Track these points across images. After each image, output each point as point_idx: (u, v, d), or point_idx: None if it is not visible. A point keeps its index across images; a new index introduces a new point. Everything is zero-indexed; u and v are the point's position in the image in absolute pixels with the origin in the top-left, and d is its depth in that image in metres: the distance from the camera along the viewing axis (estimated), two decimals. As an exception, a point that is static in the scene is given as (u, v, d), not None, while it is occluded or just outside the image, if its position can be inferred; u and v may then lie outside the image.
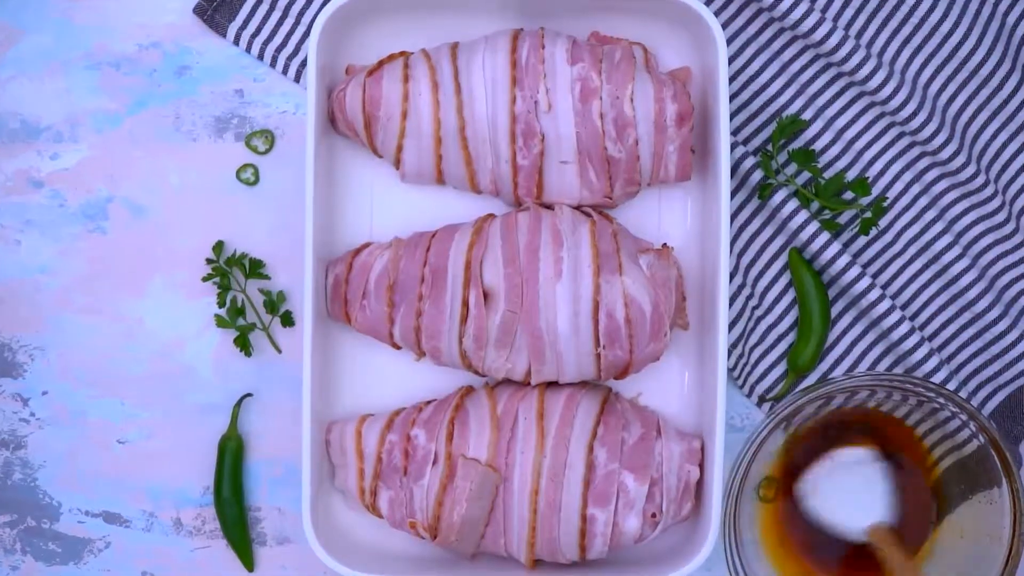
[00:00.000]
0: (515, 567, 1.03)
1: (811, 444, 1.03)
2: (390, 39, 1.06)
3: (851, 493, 1.00)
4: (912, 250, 1.11)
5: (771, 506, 1.05)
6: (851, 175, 1.11)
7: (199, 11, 1.09)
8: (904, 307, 1.12)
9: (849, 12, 1.09)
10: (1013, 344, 1.10)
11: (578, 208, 1.04)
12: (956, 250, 1.11)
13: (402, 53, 1.05)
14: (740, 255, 1.10)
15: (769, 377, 1.11)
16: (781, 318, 1.11)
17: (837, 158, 1.10)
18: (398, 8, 1.05)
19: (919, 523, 1.04)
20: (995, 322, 1.10)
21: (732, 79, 1.09)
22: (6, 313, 1.10)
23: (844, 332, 1.11)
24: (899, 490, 0.99)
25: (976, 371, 1.12)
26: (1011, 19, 1.09)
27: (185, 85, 1.10)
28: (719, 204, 1.00)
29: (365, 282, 1.02)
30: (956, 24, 1.09)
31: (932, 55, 1.10)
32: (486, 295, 1.00)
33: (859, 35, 1.10)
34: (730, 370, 1.10)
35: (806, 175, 1.11)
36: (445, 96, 1.01)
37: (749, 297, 1.10)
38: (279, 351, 1.10)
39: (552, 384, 1.03)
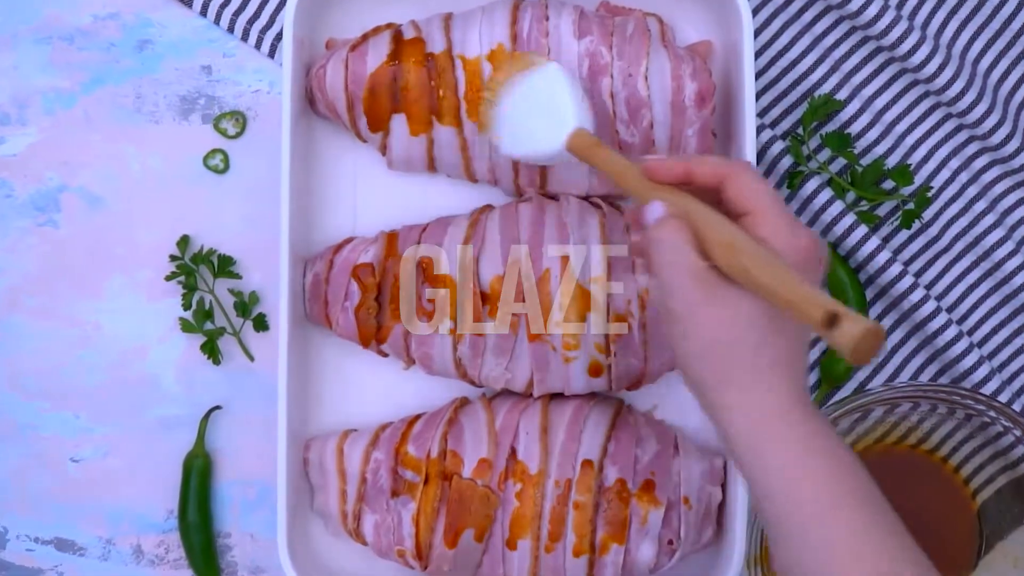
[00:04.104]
0: (515, 601, 1.02)
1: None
2: (375, 10, 1.06)
3: (538, 113, 0.95)
4: (960, 246, 1.11)
5: None
6: (891, 162, 1.11)
7: (162, -22, 1.10)
8: (951, 309, 1.11)
9: (888, -21, 1.10)
10: (1072, 352, 1.12)
11: (586, 199, 1.04)
12: (1009, 245, 1.10)
13: (389, 25, 1.05)
14: (767, 251, 1.10)
15: None
16: (813, 322, 1.11)
17: (876, 143, 1.10)
18: (384, -25, 1.06)
19: (961, 552, 1.05)
20: (1053, 327, 1.12)
21: (758, 54, 1.10)
22: (-54, 316, 1.11)
23: (883, 337, 1.11)
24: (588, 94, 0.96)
25: (1032, 381, 1.12)
26: (1070, -13, 1.10)
27: (146, 61, 1.10)
28: None
29: (347, 282, 1.02)
30: (1008, -7, 1.10)
31: (982, 28, 1.10)
32: (483, 296, 0.99)
33: (900, 5, 1.10)
34: None
35: (841, 162, 1.11)
36: (437, 74, 1.01)
37: (777, 298, 1.09)
38: (251, 359, 1.10)
39: (557, 396, 1.04)
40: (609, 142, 1.00)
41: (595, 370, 1.00)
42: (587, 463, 0.99)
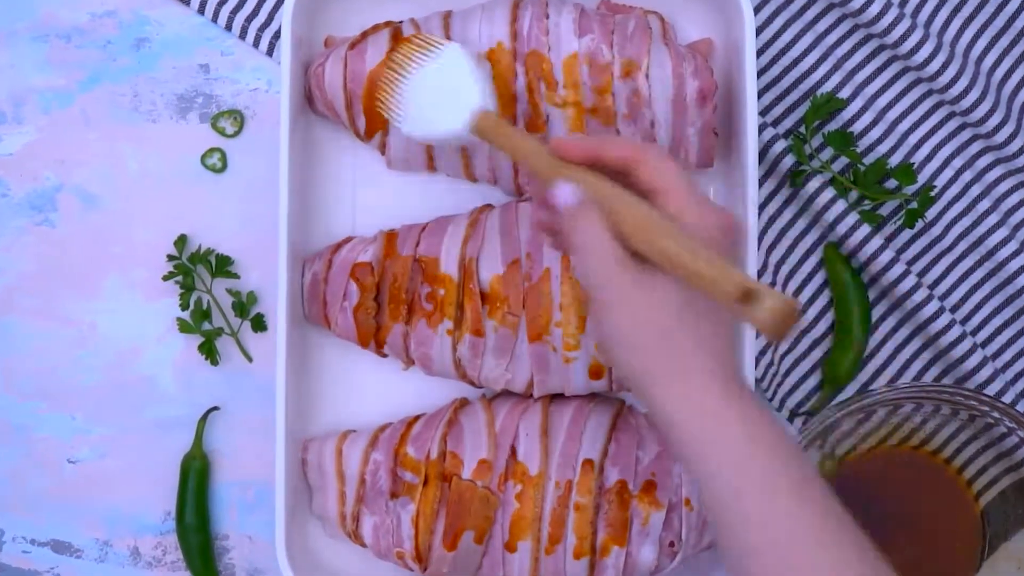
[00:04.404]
0: (515, 603, 1.02)
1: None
2: (374, 7, 1.06)
3: (441, 95, 0.95)
4: (963, 245, 1.11)
5: None
6: (894, 160, 1.11)
7: (159, -25, 1.10)
8: (954, 309, 1.11)
9: (891, -23, 1.10)
10: (1077, 352, 1.11)
11: None
12: (1012, 245, 1.10)
13: (388, 23, 1.04)
14: (769, 250, 1.11)
15: (802, 389, 1.12)
16: (815, 322, 1.12)
17: (879, 141, 1.10)
18: (383, -28, 1.06)
19: (964, 553, 1.05)
20: (1057, 327, 1.12)
21: (760, 52, 1.10)
22: (-58, 316, 1.11)
23: (886, 338, 1.11)
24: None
25: (1036, 381, 1.12)
26: (1075, -16, 1.10)
27: (144, 59, 1.10)
28: (745, 193, 1.00)
29: (346, 281, 1.02)
30: (1012, -9, 1.10)
31: (986, 25, 1.10)
32: (483, 296, 0.99)
33: (903, 3, 1.09)
34: (758, 381, 1.09)
35: (844, 160, 1.11)
36: None
37: (779, 297, 1.09)
38: (249, 359, 1.10)
39: (557, 397, 1.04)
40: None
41: (596, 371, 1.00)
42: (588, 464, 0.99)
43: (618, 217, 0.79)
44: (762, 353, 1.09)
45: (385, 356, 1.04)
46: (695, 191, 0.80)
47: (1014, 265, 1.10)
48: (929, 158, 1.10)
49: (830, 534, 0.75)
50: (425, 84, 0.95)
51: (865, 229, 1.07)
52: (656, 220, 0.78)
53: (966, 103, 1.08)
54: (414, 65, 0.96)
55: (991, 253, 1.10)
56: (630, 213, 0.78)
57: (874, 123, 1.10)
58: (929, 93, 1.09)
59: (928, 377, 1.10)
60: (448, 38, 1.00)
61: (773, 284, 1.10)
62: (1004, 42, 1.10)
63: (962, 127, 1.10)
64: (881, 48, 1.09)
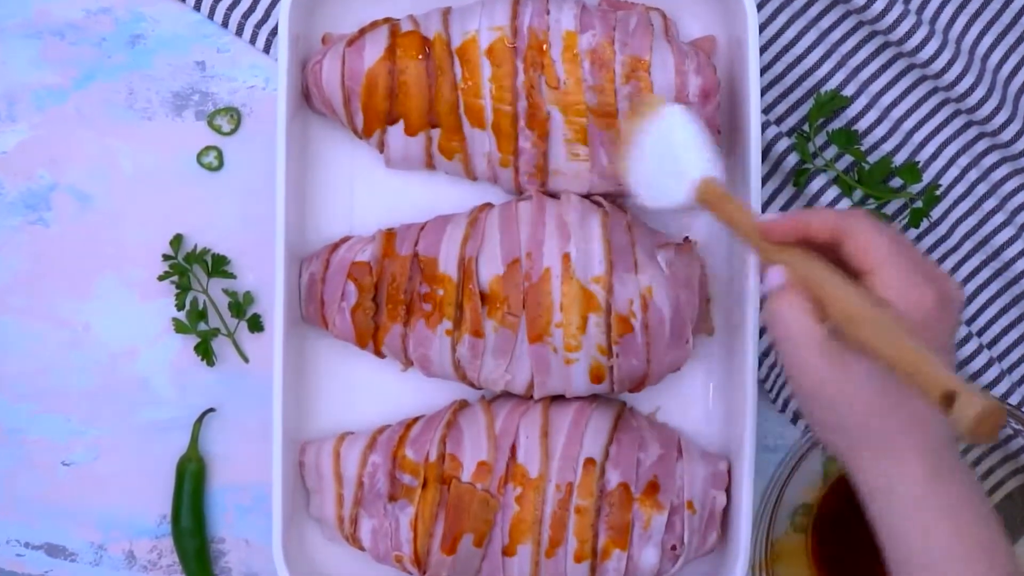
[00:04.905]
0: (515, 607, 1.03)
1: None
2: (372, 4, 1.06)
3: (667, 161, 0.93)
4: (969, 244, 1.11)
5: (807, 537, 1.06)
6: (899, 159, 1.11)
7: (155, -29, 1.11)
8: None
9: (896, -27, 1.10)
10: (1084, 353, 1.12)
11: (588, 197, 1.04)
12: (1019, 244, 1.11)
13: (386, 20, 1.04)
14: (773, 250, 1.11)
15: None
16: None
17: (883, 140, 1.10)
18: (382, -32, 1.06)
19: None
20: (1064, 328, 1.12)
21: (763, 49, 1.10)
22: (-66, 317, 1.11)
23: (892, 338, 1.11)
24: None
25: (1042, 383, 1.12)
26: (1083, -19, 1.10)
27: (139, 56, 1.10)
28: (748, 192, 1.00)
29: (344, 281, 1.02)
30: (1018, -13, 1.10)
31: (992, 22, 1.10)
32: (483, 296, 0.99)
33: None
34: (761, 382, 1.10)
35: (848, 159, 1.11)
36: (435, 69, 1.01)
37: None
38: (246, 360, 1.10)
39: (558, 398, 1.03)
40: (612, 139, 1.00)
41: (597, 372, 1.00)
42: (589, 464, 0.99)
43: (825, 302, 0.78)
44: (765, 354, 1.09)
45: (383, 357, 1.04)
46: (906, 266, 0.78)
47: (1020, 264, 1.10)
48: (934, 156, 1.10)
49: None
50: (652, 150, 0.93)
51: (870, 228, 1.08)
52: (860, 310, 0.76)
53: (972, 100, 1.08)
54: (640, 129, 0.94)
55: (997, 253, 1.11)
56: (836, 296, 0.77)
57: (879, 121, 1.10)
58: (934, 90, 1.10)
59: (933, 378, 1.11)
60: (447, 34, 1.01)
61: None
62: (1010, 39, 1.10)
63: (968, 125, 1.10)
64: (886, 45, 1.09)
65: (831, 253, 0.81)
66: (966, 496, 0.78)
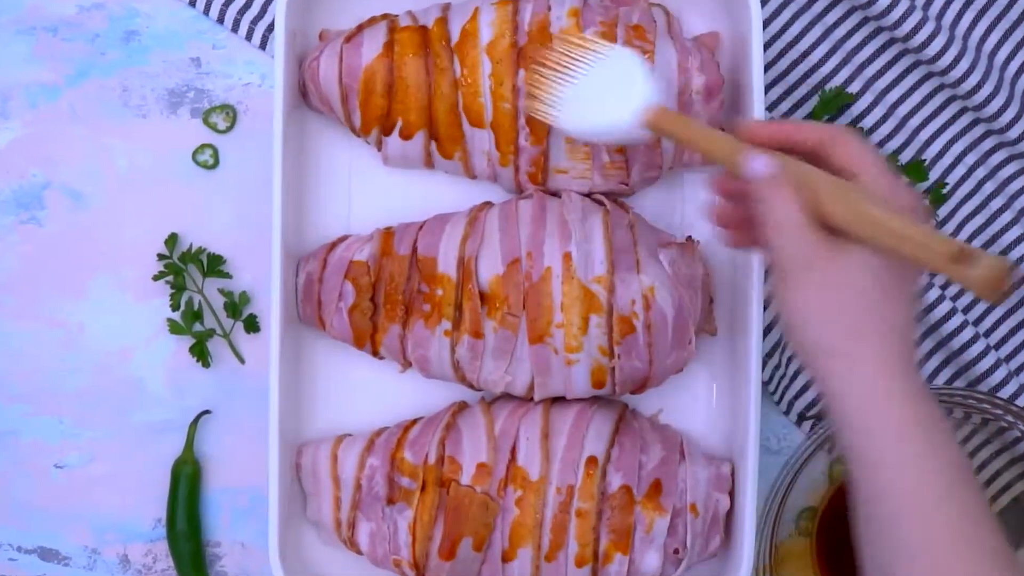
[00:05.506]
0: (516, 612, 1.03)
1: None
2: (370, 0, 1.06)
3: (607, 92, 0.93)
4: (975, 243, 1.11)
5: (812, 541, 1.07)
6: (905, 157, 1.11)
7: (149, -33, 1.11)
8: (967, 310, 1.12)
9: (902, -32, 1.10)
10: (1093, 353, 1.12)
11: (589, 195, 1.04)
12: None
13: (385, 16, 1.05)
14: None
15: (810, 391, 1.12)
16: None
17: (889, 137, 1.11)
18: (380, -37, 1.06)
19: None
20: (1073, 328, 1.12)
21: (767, 46, 1.10)
22: (-75, 318, 1.12)
23: (897, 339, 1.12)
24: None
25: (1051, 384, 1.12)
26: (1090, -24, 1.10)
27: (133, 53, 1.11)
28: None
29: (341, 281, 1.02)
30: (1025, -16, 1.11)
31: (999, 19, 1.10)
32: (482, 296, 0.99)
33: None
34: (765, 383, 1.10)
35: None
36: (434, 66, 1.01)
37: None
38: (242, 361, 1.10)
39: (558, 400, 1.04)
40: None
41: (598, 373, 1.00)
42: (591, 464, 0.99)
43: (816, 190, 0.79)
44: (769, 355, 1.09)
45: (381, 358, 1.04)
46: (890, 173, 0.80)
47: (1029, 264, 1.11)
48: (941, 154, 1.11)
49: (966, 539, 0.76)
50: (589, 81, 0.94)
51: (875, 227, 1.08)
52: (857, 191, 0.78)
53: (978, 98, 1.08)
54: (576, 66, 0.94)
55: (1005, 252, 1.11)
56: (830, 185, 0.79)
57: (884, 118, 1.10)
58: (941, 88, 1.10)
59: (940, 380, 1.10)
60: (446, 31, 1.01)
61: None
62: (1017, 35, 1.10)
63: (975, 123, 1.10)
64: (891, 42, 1.10)
65: (811, 164, 0.82)
66: (929, 421, 0.78)
